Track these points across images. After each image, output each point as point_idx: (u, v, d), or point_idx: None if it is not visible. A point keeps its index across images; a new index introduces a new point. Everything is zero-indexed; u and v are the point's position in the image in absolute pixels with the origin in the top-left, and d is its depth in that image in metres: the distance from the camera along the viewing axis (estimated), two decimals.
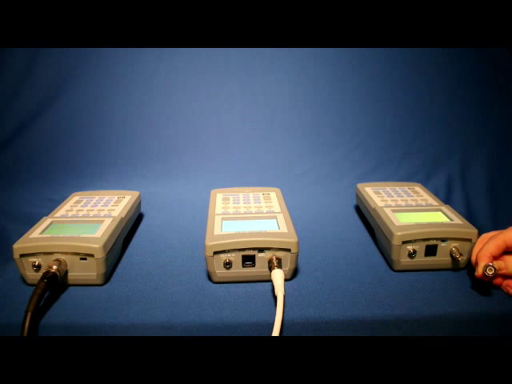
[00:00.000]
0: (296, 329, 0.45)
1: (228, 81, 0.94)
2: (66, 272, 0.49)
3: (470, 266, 0.53)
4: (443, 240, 0.52)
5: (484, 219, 0.75)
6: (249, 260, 0.50)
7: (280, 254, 0.50)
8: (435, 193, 0.80)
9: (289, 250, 0.49)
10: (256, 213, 0.57)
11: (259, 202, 0.61)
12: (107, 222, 0.54)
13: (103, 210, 0.59)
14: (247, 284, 0.51)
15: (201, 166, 0.90)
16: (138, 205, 0.67)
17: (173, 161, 0.91)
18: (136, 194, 0.67)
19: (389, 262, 0.55)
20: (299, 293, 0.49)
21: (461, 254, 0.51)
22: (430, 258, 0.53)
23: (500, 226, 0.50)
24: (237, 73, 0.94)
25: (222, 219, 0.55)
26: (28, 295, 0.43)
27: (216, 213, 0.57)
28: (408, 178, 0.87)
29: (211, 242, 0.49)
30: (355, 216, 0.72)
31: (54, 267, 0.46)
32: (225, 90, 0.94)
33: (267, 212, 0.58)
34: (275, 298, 0.45)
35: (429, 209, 0.59)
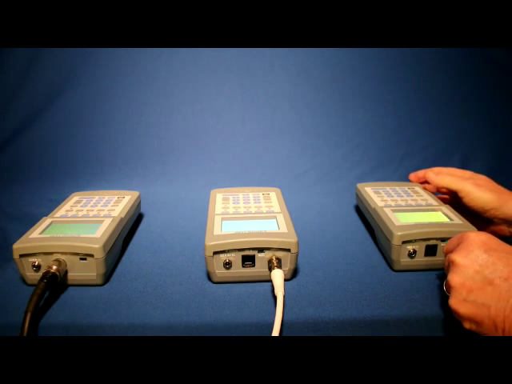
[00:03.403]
0: (296, 329, 0.45)
1: (228, 81, 0.94)
2: (66, 272, 0.49)
3: None
4: (443, 240, 0.52)
5: None
6: (249, 260, 0.50)
7: (280, 254, 0.50)
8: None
9: (289, 250, 0.49)
10: (256, 213, 0.57)
11: (259, 202, 0.61)
12: (107, 222, 0.54)
13: (103, 210, 0.59)
14: (247, 284, 0.51)
15: (201, 166, 0.90)
16: (137, 205, 0.67)
17: (173, 161, 0.91)
18: (136, 194, 0.67)
19: (389, 262, 0.55)
20: (299, 293, 0.49)
21: None
22: (430, 258, 0.53)
23: None
24: (237, 73, 0.94)
25: (222, 219, 0.55)
26: (28, 295, 0.43)
27: (216, 213, 0.57)
28: (408, 177, 0.87)
29: (211, 242, 0.49)
30: (355, 216, 0.72)
31: (54, 267, 0.46)
32: (225, 90, 0.94)
33: (267, 212, 0.58)
34: (275, 298, 0.45)
35: (429, 209, 0.59)
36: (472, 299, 0.38)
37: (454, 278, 0.40)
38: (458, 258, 0.40)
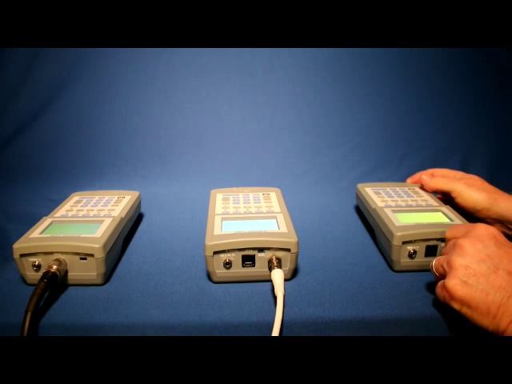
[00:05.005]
0: (296, 329, 0.45)
1: (228, 81, 0.94)
2: (66, 272, 0.49)
3: None
4: (443, 240, 0.52)
5: None
6: (249, 260, 0.50)
7: (280, 253, 0.50)
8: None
9: (289, 250, 0.49)
10: (256, 213, 0.57)
11: (259, 202, 0.61)
12: (107, 221, 0.54)
13: (103, 210, 0.59)
14: (247, 284, 0.51)
15: (201, 166, 0.90)
16: (137, 205, 0.67)
17: (173, 161, 0.91)
18: (136, 194, 0.67)
19: (389, 263, 0.55)
20: (299, 293, 0.49)
21: None
22: (430, 259, 0.52)
23: None
24: (237, 73, 0.94)
25: (222, 219, 0.55)
26: (28, 295, 0.43)
27: (216, 213, 0.57)
28: (408, 178, 0.87)
29: (211, 242, 0.49)
30: (355, 216, 0.72)
31: (54, 267, 0.46)
32: (225, 90, 0.94)
33: (267, 212, 0.58)
34: (275, 297, 0.45)
35: (429, 209, 0.59)
36: (473, 283, 0.38)
37: (458, 260, 0.40)
38: (467, 243, 0.41)
